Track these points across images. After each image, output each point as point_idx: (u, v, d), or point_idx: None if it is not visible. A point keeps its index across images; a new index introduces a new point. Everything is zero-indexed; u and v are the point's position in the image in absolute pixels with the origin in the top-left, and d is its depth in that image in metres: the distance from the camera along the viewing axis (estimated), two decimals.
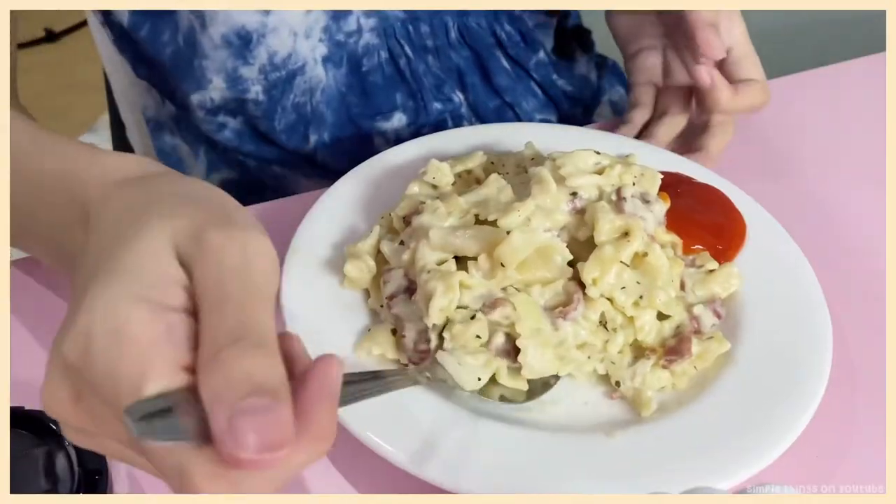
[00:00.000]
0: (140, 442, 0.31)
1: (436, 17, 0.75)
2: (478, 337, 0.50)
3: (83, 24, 2.14)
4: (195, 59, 0.71)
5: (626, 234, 0.53)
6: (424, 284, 0.51)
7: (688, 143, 0.69)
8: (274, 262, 0.35)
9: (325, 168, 0.78)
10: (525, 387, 0.52)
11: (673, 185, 0.59)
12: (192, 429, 0.31)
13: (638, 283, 0.53)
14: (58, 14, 2.14)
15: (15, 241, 0.49)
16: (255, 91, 0.73)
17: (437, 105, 0.77)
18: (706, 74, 0.65)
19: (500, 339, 0.51)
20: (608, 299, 0.53)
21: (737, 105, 0.66)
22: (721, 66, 0.67)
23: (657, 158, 0.64)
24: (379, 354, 0.52)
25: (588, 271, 0.52)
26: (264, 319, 0.33)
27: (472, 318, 0.50)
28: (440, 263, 0.52)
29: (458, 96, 0.78)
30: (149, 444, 0.31)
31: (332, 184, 0.62)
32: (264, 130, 0.76)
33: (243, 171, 0.80)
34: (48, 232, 0.45)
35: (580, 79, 0.84)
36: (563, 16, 0.83)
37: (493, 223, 0.53)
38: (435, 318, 0.50)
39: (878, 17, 0.78)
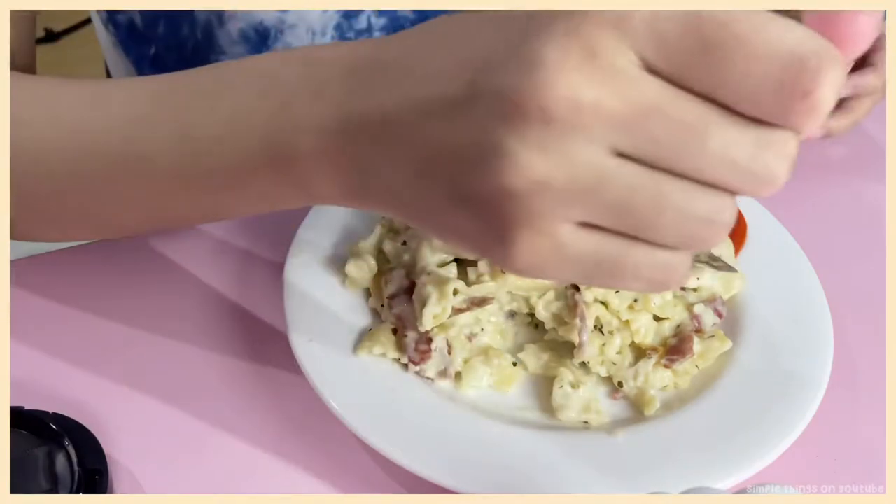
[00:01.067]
0: (767, 22, 0.28)
1: None
2: None
3: (83, 24, 2.14)
4: (211, 55, 0.71)
5: None
6: (421, 288, 0.51)
7: None
8: None
9: None
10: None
11: None
12: None
13: None
14: (58, 14, 2.14)
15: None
16: None
17: None
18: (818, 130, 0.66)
19: None
20: (602, 303, 0.53)
21: (857, 119, 0.68)
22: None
23: None
24: (380, 354, 0.52)
25: None
26: None
27: None
28: (441, 265, 0.53)
29: None
30: (776, 22, 0.28)
31: None
32: None
33: None
34: (264, 110, 0.38)
35: None
36: None
37: None
38: (427, 324, 0.50)
39: None
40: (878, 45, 0.69)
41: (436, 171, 0.32)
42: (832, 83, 0.28)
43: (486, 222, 0.31)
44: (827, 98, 0.28)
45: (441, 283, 0.51)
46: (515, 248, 0.31)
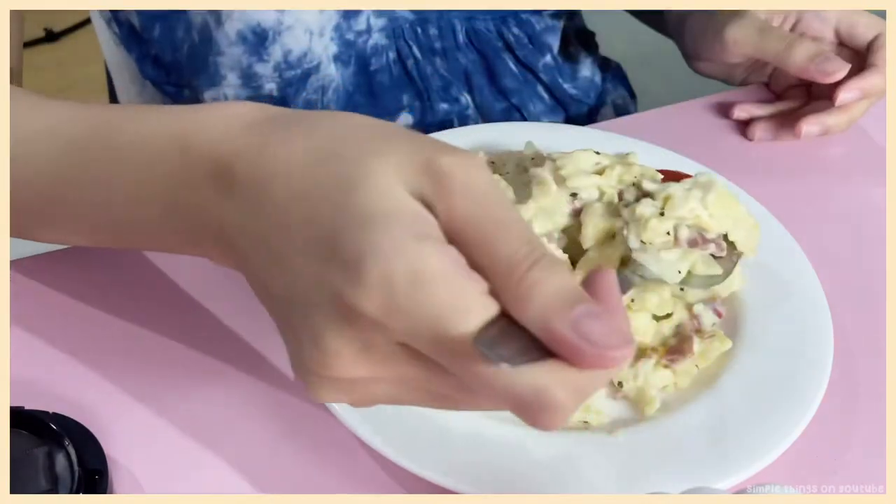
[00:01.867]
0: (494, 371, 0.32)
1: (444, 20, 0.75)
2: (668, 234, 0.52)
3: (83, 24, 2.14)
4: (210, 56, 0.71)
5: (614, 236, 0.53)
6: None
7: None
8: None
9: None
10: (720, 271, 0.53)
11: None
12: (526, 349, 0.32)
13: None
14: (58, 14, 2.14)
15: (95, 229, 0.48)
16: (270, 88, 0.73)
17: (444, 106, 0.77)
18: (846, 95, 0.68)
19: (685, 233, 0.52)
20: None
21: (854, 117, 0.70)
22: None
23: (658, 157, 0.64)
24: None
25: (576, 278, 0.52)
26: (538, 238, 0.34)
27: (661, 214, 0.52)
28: None
29: (466, 98, 0.78)
30: (502, 373, 0.32)
31: None
32: None
33: None
34: (160, 198, 0.42)
35: (585, 81, 0.84)
36: (568, 17, 0.83)
37: None
38: None
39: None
40: (878, 45, 0.69)
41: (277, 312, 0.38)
42: (551, 423, 0.32)
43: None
44: (544, 428, 0.33)
45: None
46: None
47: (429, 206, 0.34)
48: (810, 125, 0.70)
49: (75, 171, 0.45)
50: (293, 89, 0.73)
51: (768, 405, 0.51)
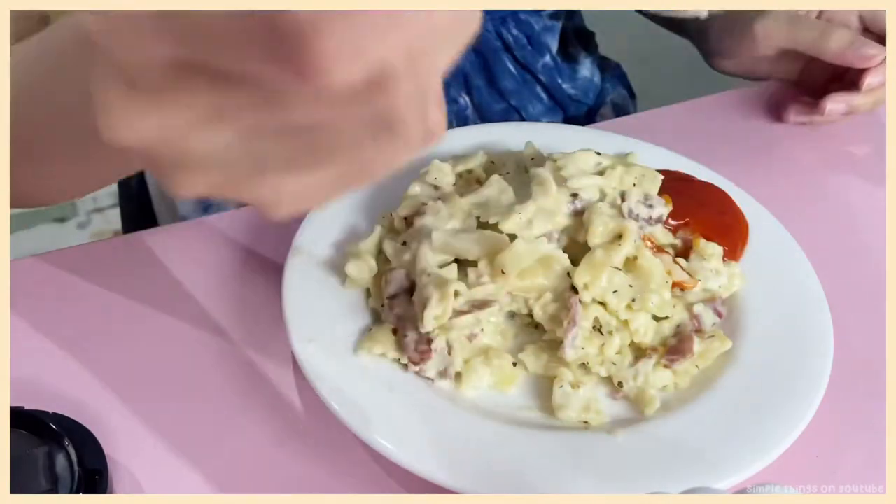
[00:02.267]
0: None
1: None
2: None
3: None
4: None
5: (619, 236, 0.53)
6: (421, 290, 0.51)
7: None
8: None
9: None
10: None
11: (674, 184, 0.59)
12: None
13: (630, 286, 0.53)
14: (57, 14, 2.14)
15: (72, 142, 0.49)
16: None
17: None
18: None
19: None
20: (601, 303, 0.53)
21: (879, 100, 0.69)
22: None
23: (658, 157, 0.64)
24: (380, 354, 0.52)
25: (580, 276, 0.52)
26: None
27: None
28: (442, 266, 0.53)
29: (464, 98, 0.78)
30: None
31: None
32: None
33: None
34: (76, 90, 0.44)
35: (584, 81, 0.84)
36: (567, 17, 0.83)
37: (495, 226, 0.53)
38: (429, 325, 0.51)
39: None
40: None
41: None
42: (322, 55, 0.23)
43: None
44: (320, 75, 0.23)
45: (442, 284, 0.51)
46: None
47: None
48: (836, 103, 0.69)
49: (27, 93, 0.48)
50: None
51: (768, 405, 0.51)
